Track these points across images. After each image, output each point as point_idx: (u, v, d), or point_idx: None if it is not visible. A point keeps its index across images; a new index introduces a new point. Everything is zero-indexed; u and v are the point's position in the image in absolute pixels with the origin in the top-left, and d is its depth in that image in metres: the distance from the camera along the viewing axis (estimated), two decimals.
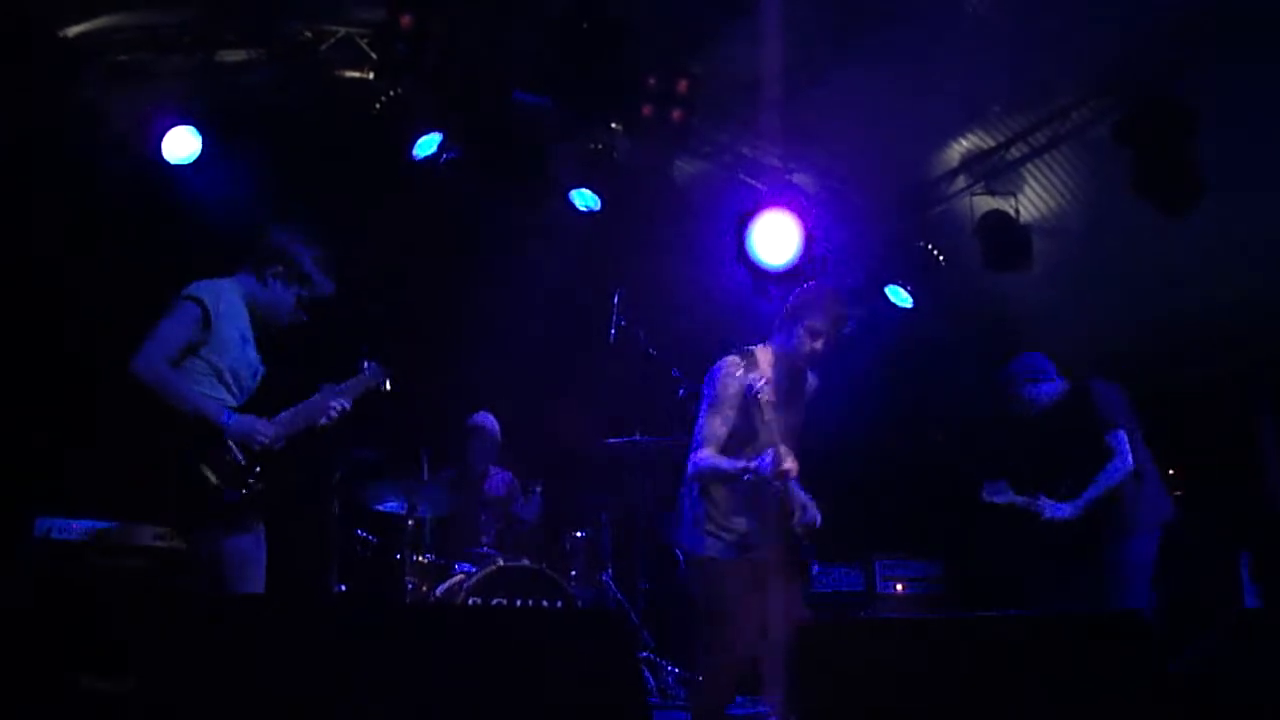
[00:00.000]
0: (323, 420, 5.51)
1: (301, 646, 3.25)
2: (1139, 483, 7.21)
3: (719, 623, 5.32)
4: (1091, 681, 3.43)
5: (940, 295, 9.91)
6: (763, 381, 5.23)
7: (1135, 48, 7.99)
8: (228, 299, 5.40)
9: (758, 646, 5.26)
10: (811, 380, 5.73)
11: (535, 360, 9.56)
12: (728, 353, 5.50)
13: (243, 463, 5.17)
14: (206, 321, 5.26)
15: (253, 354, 5.49)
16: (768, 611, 5.26)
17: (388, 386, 5.92)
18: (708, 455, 5.34)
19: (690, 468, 5.42)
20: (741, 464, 5.22)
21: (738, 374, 5.36)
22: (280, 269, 5.53)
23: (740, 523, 5.37)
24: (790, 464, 5.15)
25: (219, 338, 5.30)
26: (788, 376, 5.52)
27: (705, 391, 5.48)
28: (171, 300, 5.32)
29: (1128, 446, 7.19)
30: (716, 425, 5.37)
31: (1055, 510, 7.24)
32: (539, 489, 8.75)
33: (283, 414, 5.43)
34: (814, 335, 5.46)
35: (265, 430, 5.24)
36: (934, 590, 9.21)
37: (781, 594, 5.28)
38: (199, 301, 5.28)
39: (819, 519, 5.44)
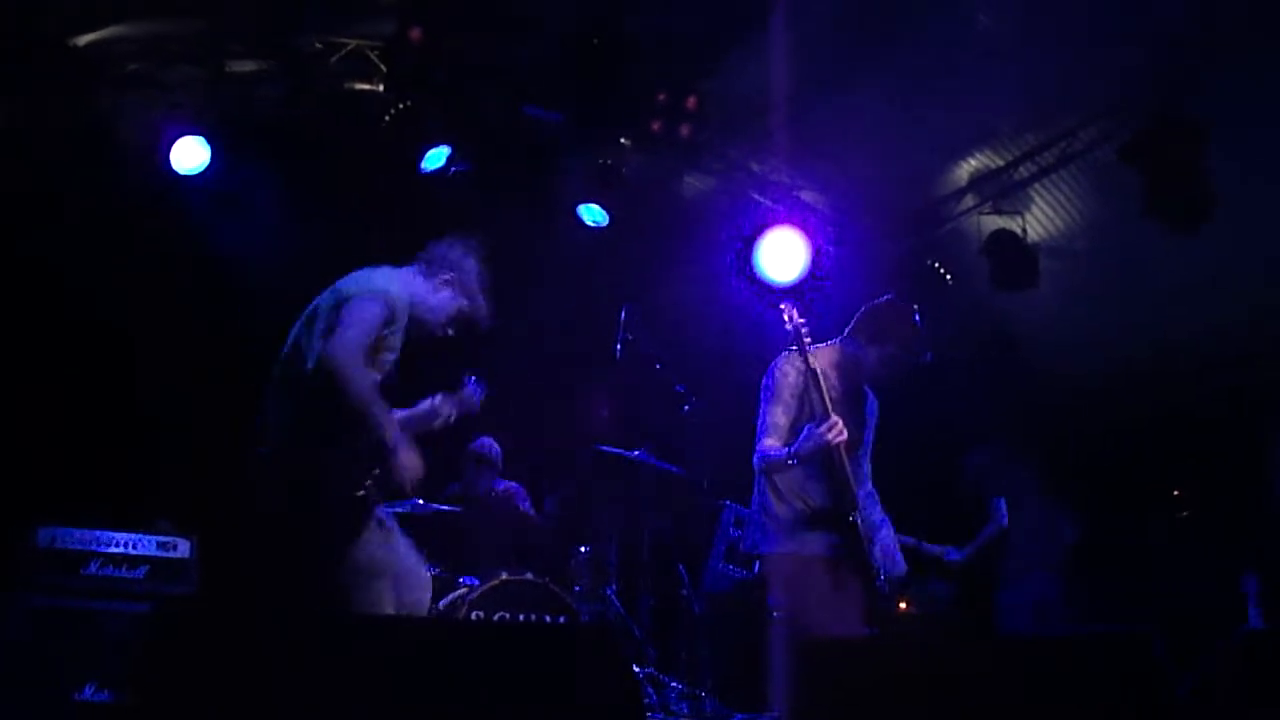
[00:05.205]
0: (437, 424, 5.41)
1: (301, 658, 3.24)
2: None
3: (799, 623, 5.14)
4: (1097, 704, 3.41)
5: (947, 313, 9.91)
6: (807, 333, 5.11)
7: (1143, 69, 8.00)
8: (394, 290, 5.08)
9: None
10: (871, 400, 5.63)
11: (541, 374, 9.55)
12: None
13: None
14: (391, 319, 4.97)
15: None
16: (847, 612, 5.11)
17: (476, 408, 5.75)
18: (767, 444, 5.23)
19: (755, 461, 5.31)
20: (788, 450, 5.09)
21: (796, 364, 5.25)
22: (451, 276, 5.36)
23: (811, 519, 5.19)
24: (836, 433, 4.93)
25: (396, 337, 5.03)
26: (849, 382, 5.41)
27: (764, 386, 5.36)
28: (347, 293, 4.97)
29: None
30: (777, 415, 5.26)
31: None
32: (555, 498, 8.76)
33: (400, 414, 5.24)
34: (886, 363, 5.41)
35: (412, 467, 4.87)
36: (939, 609, 9.18)
37: (857, 597, 5.16)
38: (387, 298, 4.97)
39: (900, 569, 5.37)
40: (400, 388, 5.33)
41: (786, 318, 5.16)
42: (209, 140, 8.23)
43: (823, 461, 5.10)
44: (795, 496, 5.26)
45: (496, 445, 8.92)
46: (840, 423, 4.98)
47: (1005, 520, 8.67)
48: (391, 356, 5.07)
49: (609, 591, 8.37)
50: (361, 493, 4.93)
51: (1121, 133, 8.33)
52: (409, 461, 4.86)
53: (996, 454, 8.94)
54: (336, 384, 4.73)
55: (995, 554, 8.65)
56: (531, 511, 8.91)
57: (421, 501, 7.58)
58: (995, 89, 8.45)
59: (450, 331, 5.42)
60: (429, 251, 5.44)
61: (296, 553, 5.00)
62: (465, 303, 5.40)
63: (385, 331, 4.95)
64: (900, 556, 5.41)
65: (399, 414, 5.23)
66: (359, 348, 4.80)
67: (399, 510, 7.72)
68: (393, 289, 5.05)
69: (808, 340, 5.11)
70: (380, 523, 5.12)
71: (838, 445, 4.98)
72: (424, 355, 5.53)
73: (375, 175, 8.80)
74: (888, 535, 5.43)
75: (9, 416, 7.66)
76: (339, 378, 4.72)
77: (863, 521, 5.17)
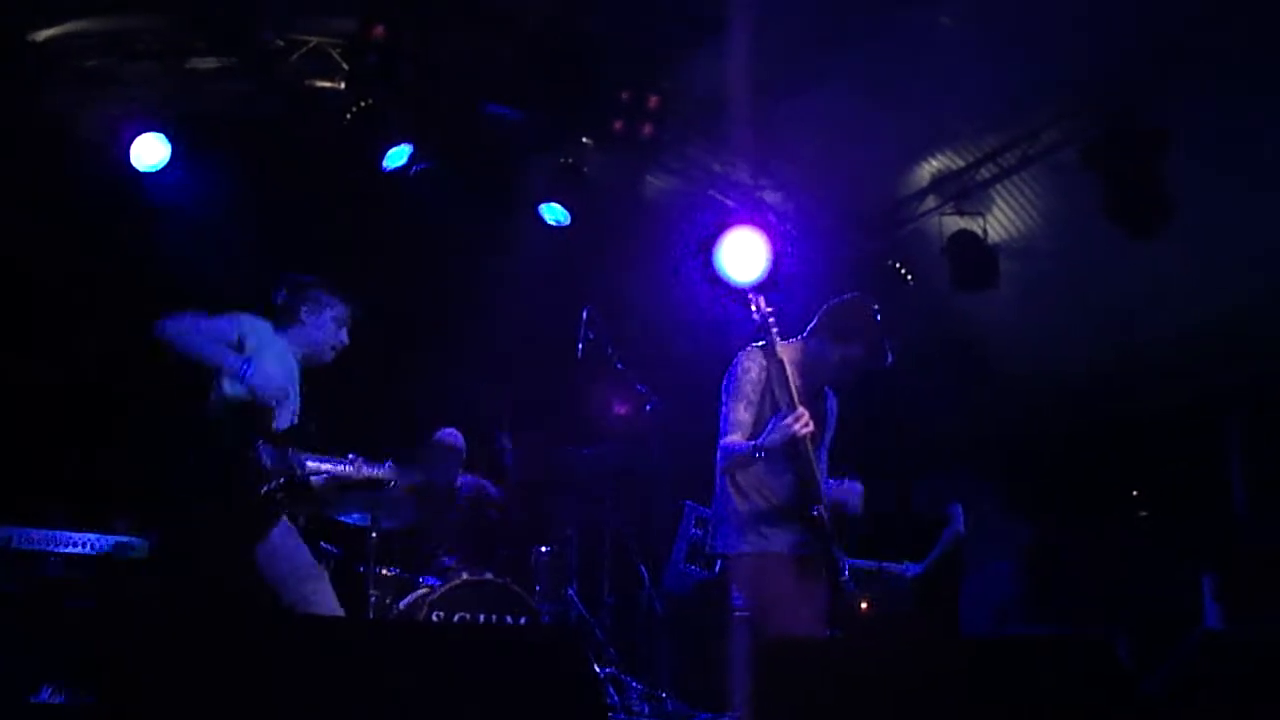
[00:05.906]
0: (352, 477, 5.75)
1: (255, 658, 3.22)
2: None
3: (760, 622, 5.09)
4: (1058, 705, 3.43)
5: (908, 313, 9.93)
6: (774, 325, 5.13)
7: (1105, 71, 8.05)
8: (268, 336, 5.56)
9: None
10: (831, 400, 5.60)
11: (503, 373, 9.52)
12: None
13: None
14: (240, 342, 5.41)
15: (295, 397, 5.59)
16: (810, 611, 5.11)
17: (389, 481, 6.05)
18: (731, 440, 5.20)
19: (718, 459, 5.28)
20: (753, 443, 5.06)
21: (758, 359, 5.22)
22: (307, 304, 5.77)
23: (774, 514, 5.18)
24: (803, 425, 4.90)
25: (256, 365, 5.37)
26: (809, 380, 5.35)
27: (726, 383, 5.33)
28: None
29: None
30: (740, 412, 5.22)
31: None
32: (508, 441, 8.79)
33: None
34: (849, 363, 5.38)
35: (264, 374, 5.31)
36: (900, 609, 9.22)
37: (820, 594, 5.15)
38: (237, 322, 5.45)
39: (858, 505, 5.34)
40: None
41: (754, 307, 5.14)
42: (169, 137, 8.18)
43: (788, 455, 5.09)
44: (757, 493, 5.25)
45: (461, 437, 8.88)
46: (806, 414, 4.94)
47: (961, 525, 8.68)
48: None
49: (570, 591, 8.36)
50: (265, 491, 5.22)
51: (1083, 135, 8.39)
52: (263, 371, 5.32)
53: (952, 477, 9.14)
54: (167, 348, 5.28)
55: (956, 561, 8.65)
56: (495, 493, 8.88)
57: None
58: (957, 90, 8.48)
59: (344, 338, 5.89)
60: (283, 306, 5.79)
61: (210, 551, 5.29)
62: (338, 311, 5.86)
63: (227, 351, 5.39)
64: (859, 500, 5.40)
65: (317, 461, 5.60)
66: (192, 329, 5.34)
67: (353, 522, 7.72)
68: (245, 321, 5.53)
69: (775, 331, 5.10)
70: (292, 531, 5.43)
71: (804, 438, 4.97)
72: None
73: (337, 173, 8.76)
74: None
75: None
76: (165, 343, 5.28)
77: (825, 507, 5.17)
